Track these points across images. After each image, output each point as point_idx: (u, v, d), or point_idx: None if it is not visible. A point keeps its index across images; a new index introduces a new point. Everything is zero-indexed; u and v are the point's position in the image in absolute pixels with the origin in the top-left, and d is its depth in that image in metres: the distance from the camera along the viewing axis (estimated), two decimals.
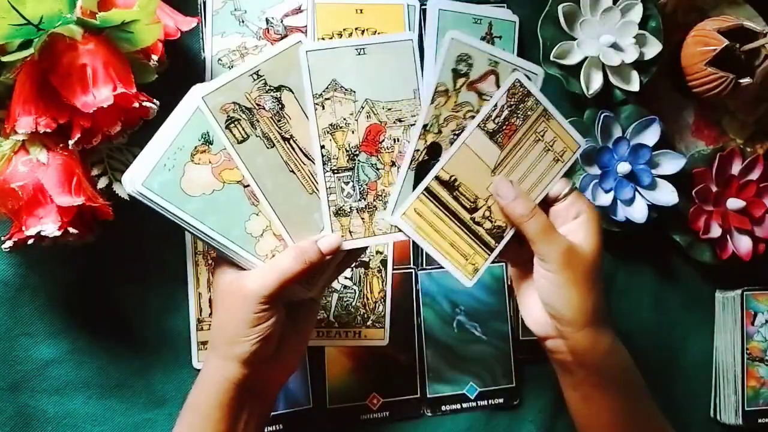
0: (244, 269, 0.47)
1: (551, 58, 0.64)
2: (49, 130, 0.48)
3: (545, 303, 0.49)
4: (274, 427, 0.60)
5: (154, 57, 0.51)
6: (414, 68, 0.49)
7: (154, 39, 0.50)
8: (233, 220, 0.46)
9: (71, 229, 0.49)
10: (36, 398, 0.57)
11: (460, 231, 0.49)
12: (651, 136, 0.66)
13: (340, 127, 0.48)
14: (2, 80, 0.49)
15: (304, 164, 0.48)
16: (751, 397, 0.70)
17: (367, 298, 0.59)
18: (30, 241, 0.49)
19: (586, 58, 0.65)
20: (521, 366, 0.67)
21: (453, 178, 0.48)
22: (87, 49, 0.47)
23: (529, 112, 0.49)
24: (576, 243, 0.48)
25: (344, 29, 0.62)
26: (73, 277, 0.58)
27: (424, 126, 0.48)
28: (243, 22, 0.61)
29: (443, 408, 0.65)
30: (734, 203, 0.69)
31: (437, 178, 0.48)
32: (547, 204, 0.51)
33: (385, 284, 0.62)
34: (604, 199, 0.65)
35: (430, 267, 0.65)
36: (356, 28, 0.62)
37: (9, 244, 0.49)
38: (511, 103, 0.49)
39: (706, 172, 0.69)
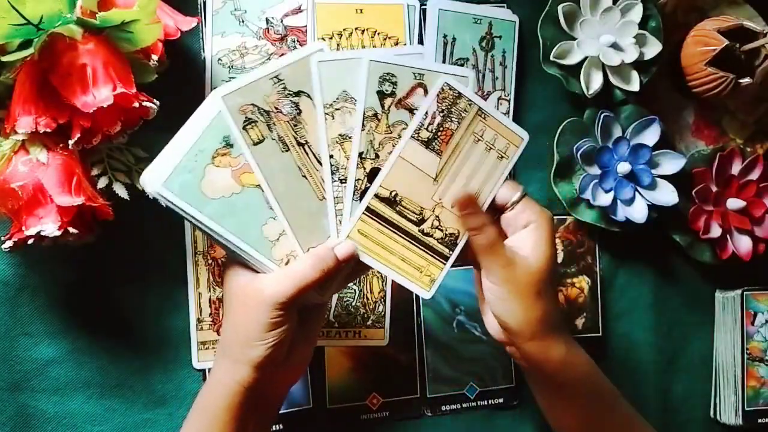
0: (258, 272, 0.47)
1: (551, 58, 0.64)
2: (49, 130, 0.48)
3: (493, 313, 0.50)
4: (274, 427, 0.60)
5: (154, 57, 0.51)
6: None
7: (154, 39, 0.50)
8: (251, 224, 0.46)
9: (71, 229, 0.49)
10: (36, 398, 0.57)
11: (409, 245, 0.48)
12: (651, 136, 0.66)
13: (349, 138, 0.48)
14: (2, 80, 0.49)
15: (317, 170, 0.48)
16: (751, 397, 0.70)
17: (367, 298, 0.59)
18: (30, 241, 0.49)
19: (586, 58, 0.65)
20: (521, 366, 0.67)
21: (394, 194, 0.48)
22: (87, 49, 0.47)
23: (463, 114, 0.49)
24: (522, 255, 0.48)
25: (344, 29, 0.62)
26: (73, 277, 0.58)
27: (360, 154, 0.48)
28: (243, 22, 0.61)
29: (443, 408, 0.65)
30: (734, 203, 0.69)
31: (377, 196, 0.48)
32: (495, 210, 0.51)
33: (385, 284, 0.62)
34: (604, 199, 0.65)
35: None
36: (356, 28, 0.62)
37: (9, 244, 0.49)
38: (443, 108, 0.48)
39: (706, 172, 0.69)
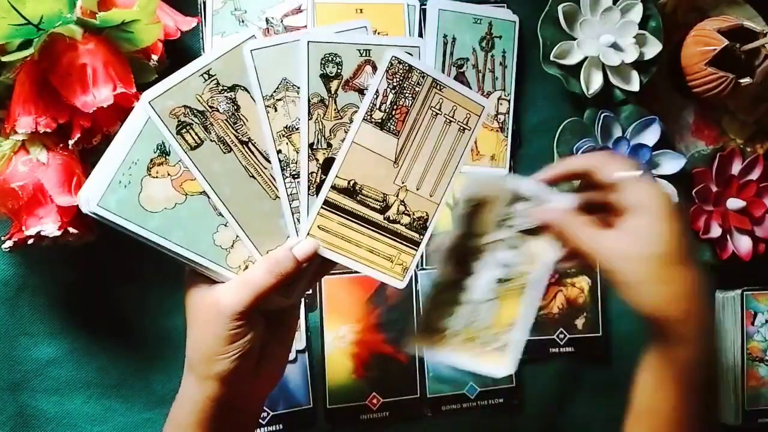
0: (217, 282, 0.44)
1: (551, 58, 0.64)
2: (49, 130, 0.48)
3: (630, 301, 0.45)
4: (274, 427, 0.60)
5: (154, 57, 0.51)
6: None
7: (154, 39, 0.50)
8: (200, 234, 0.43)
9: (71, 229, 0.49)
10: (36, 398, 0.57)
11: (376, 235, 0.46)
12: (651, 136, 0.66)
13: (296, 129, 0.44)
14: (2, 80, 0.49)
15: (265, 168, 0.44)
16: (751, 397, 0.70)
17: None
18: (30, 241, 0.49)
19: (586, 58, 0.65)
20: (521, 366, 0.66)
21: (352, 183, 0.45)
22: (87, 49, 0.47)
23: (417, 88, 0.45)
24: (640, 241, 0.44)
25: None
26: (73, 277, 0.58)
27: (310, 145, 0.44)
28: (243, 22, 0.61)
29: (443, 408, 0.65)
30: (734, 203, 0.69)
31: (334, 187, 0.44)
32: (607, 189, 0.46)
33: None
34: None
35: (430, 267, 0.65)
36: None
37: (9, 244, 0.49)
38: (394, 84, 0.45)
39: (706, 172, 0.69)
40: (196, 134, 0.42)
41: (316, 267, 0.46)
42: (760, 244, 0.71)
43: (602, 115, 0.65)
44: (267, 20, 0.61)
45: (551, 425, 0.67)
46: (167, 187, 0.42)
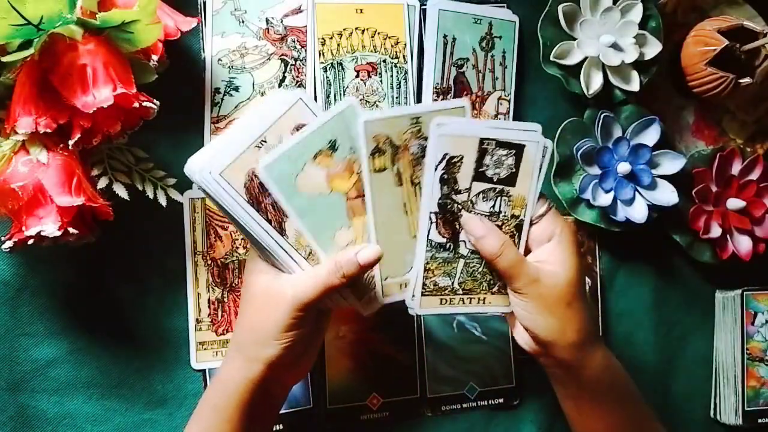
0: (283, 272, 0.48)
1: (551, 58, 0.64)
2: (49, 130, 0.48)
3: (525, 328, 0.50)
4: (274, 427, 0.60)
5: (154, 57, 0.51)
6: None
7: (154, 39, 0.50)
8: (327, 226, 0.48)
9: (71, 229, 0.49)
10: (36, 398, 0.57)
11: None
12: (651, 136, 0.66)
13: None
14: (2, 80, 0.49)
15: (417, 211, 0.50)
16: (751, 397, 0.71)
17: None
18: (30, 242, 0.49)
19: (586, 58, 0.65)
20: (521, 366, 0.67)
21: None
22: (87, 49, 0.47)
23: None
24: (549, 269, 0.49)
25: (344, 29, 0.62)
26: (73, 277, 0.58)
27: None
28: (243, 22, 0.61)
29: (443, 408, 0.65)
30: (734, 203, 0.69)
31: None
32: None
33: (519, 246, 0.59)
34: (604, 199, 0.65)
35: None
36: (356, 28, 0.62)
37: (9, 244, 0.49)
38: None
39: (706, 172, 0.69)
40: (384, 161, 0.49)
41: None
42: (760, 244, 0.71)
43: (602, 115, 0.65)
44: (267, 20, 0.61)
45: (551, 425, 0.67)
46: (321, 177, 0.48)
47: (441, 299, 0.52)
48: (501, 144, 0.48)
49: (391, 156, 0.49)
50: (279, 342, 0.46)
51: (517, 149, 0.49)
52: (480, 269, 0.52)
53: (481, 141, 0.48)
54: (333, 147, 0.48)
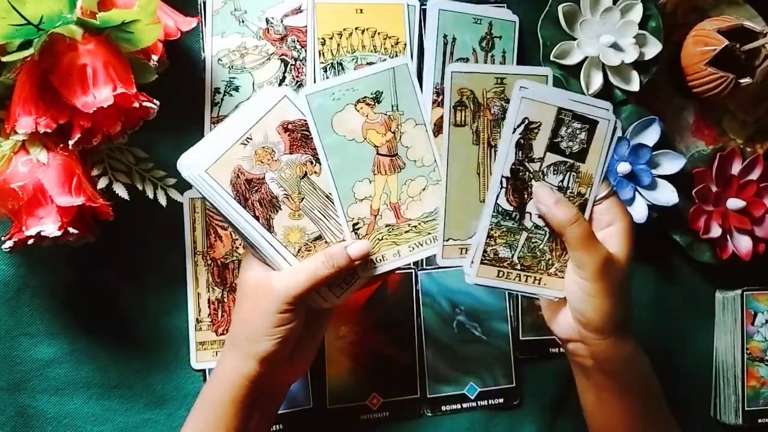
0: (273, 268, 0.48)
1: (551, 58, 0.64)
2: (49, 130, 0.48)
3: (574, 309, 0.49)
4: (274, 426, 0.60)
5: (154, 57, 0.51)
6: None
7: (154, 39, 0.50)
8: (350, 174, 0.49)
9: (71, 229, 0.49)
10: (36, 398, 0.57)
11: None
12: (651, 136, 0.66)
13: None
14: (2, 80, 0.49)
15: (490, 175, 0.49)
16: (751, 397, 0.70)
17: (558, 243, 0.52)
18: (30, 241, 0.49)
19: (586, 58, 0.65)
20: (521, 366, 0.67)
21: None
22: (87, 49, 0.47)
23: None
24: (613, 251, 0.48)
25: (344, 29, 0.62)
26: (73, 277, 0.58)
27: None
28: (243, 22, 0.61)
29: (443, 408, 0.65)
30: (734, 203, 0.69)
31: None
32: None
33: None
34: None
35: (430, 267, 0.65)
36: (356, 28, 0.62)
37: (9, 244, 0.49)
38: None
39: (706, 172, 0.69)
40: (465, 117, 0.48)
41: (365, 280, 0.51)
42: (760, 244, 0.71)
43: None
44: (267, 20, 0.61)
45: (551, 425, 0.67)
46: (358, 124, 0.49)
47: (499, 271, 0.50)
48: (577, 117, 0.48)
49: (472, 113, 0.49)
50: (269, 337, 0.46)
51: (591, 124, 0.48)
52: (541, 246, 0.50)
53: (559, 111, 0.48)
54: (377, 98, 0.49)
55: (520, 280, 0.51)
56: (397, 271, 0.63)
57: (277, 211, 0.48)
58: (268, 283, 0.47)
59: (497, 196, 0.49)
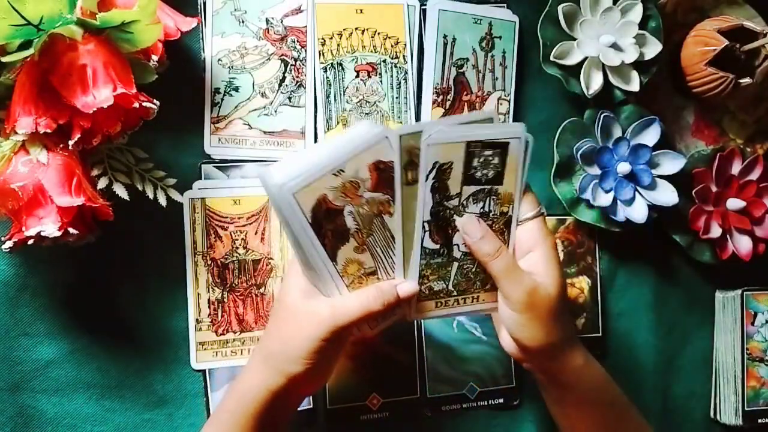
0: (321, 293, 0.48)
1: (551, 58, 0.64)
2: (49, 131, 0.48)
3: (511, 335, 0.50)
4: None
5: (154, 57, 0.51)
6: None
7: (154, 39, 0.50)
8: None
9: (71, 230, 0.49)
10: (36, 398, 0.57)
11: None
12: (651, 136, 0.66)
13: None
14: (2, 80, 0.49)
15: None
16: (751, 397, 0.71)
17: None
18: (30, 242, 0.49)
19: (586, 58, 0.65)
20: (521, 366, 0.67)
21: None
22: (87, 49, 0.47)
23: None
24: (540, 280, 0.48)
25: (344, 29, 0.62)
26: (73, 277, 0.58)
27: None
28: (243, 22, 0.61)
29: (443, 408, 0.65)
30: (734, 203, 0.69)
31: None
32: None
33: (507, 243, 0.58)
34: (604, 199, 0.65)
35: None
36: (356, 28, 0.62)
37: (9, 244, 0.49)
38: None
39: (706, 172, 0.69)
40: (414, 175, 0.48)
41: (400, 316, 0.51)
42: (760, 244, 0.71)
43: (602, 116, 0.65)
44: (267, 20, 0.61)
45: (551, 425, 0.67)
46: None
47: (436, 302, 0.52)
48: (486, 145, 0.48)
49: (414, 171, 0.48)
50: (307, 360, 0.46)
51: (502, 147, 0.48)
52: (473, 269, 0.52)
53: (468, 144, 0.48)
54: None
55: (458, 304, 0.53)
56: None
57: (345, 243, 0.48)
58: (317, 309, 0.47)
59: (422, 240, 0.49)
